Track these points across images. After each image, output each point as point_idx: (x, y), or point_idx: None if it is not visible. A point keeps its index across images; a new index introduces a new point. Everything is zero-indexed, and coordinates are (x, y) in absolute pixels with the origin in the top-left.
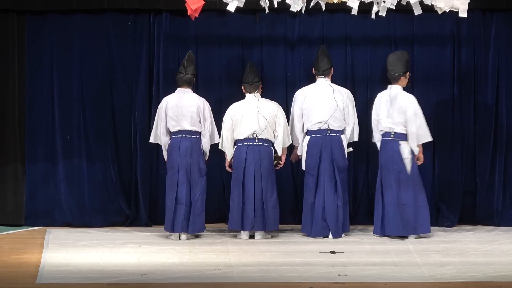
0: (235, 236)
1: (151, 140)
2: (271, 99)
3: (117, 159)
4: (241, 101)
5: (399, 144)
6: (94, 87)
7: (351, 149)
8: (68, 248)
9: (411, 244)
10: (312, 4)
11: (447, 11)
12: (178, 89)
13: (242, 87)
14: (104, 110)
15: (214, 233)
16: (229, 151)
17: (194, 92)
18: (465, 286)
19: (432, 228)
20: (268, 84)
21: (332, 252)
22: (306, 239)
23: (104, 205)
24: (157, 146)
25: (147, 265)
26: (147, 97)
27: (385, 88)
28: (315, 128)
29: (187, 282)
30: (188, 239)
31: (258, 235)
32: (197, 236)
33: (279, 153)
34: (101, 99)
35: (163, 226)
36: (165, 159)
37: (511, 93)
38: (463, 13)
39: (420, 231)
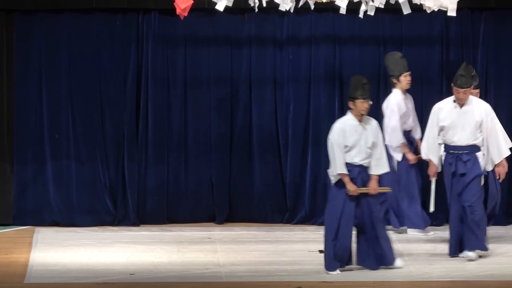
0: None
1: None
2: (259, 100)
3: (105, 159)
4: None
5: None
6: (83, 87)
7: None
8: (56, 248)
9: (400, 243)
10: (300, 3)
11: (435, 10)
12: None
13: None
14: (92, 110)
15: (203, 232)
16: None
17: (181, 92)
18: (453, 285)
19: None
20: (257, 84)
21: (321, 251)
22: (294, 238)
23: (92, 204)
24: (146, 146)
25: (135, 265)
26: (135, 97)
27: (374, 88)
28: None
29: (176, 282)
30: None
31: None
32: None
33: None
34: (90, 98)
35: (151, 225)
36: None
37: (499, 92)
38: (451, 12)
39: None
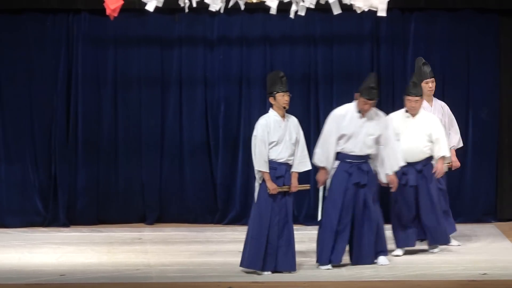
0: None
1: None
2: (190, 100)
3: (35, 160)
4: None
5: None
6: (13, 87)
7: None
8: None
9: None
10: (231, 3)
11: (366, 10)
12: None
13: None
14: (22, 110)
15: (133, 233)
16: None
17: (111, 93)
18: (383, 285)
19: None
20: (187, 85)
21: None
22: (225, 238)
23: (22, 205)
24: (76, 146)
25: (66, 265)
26: (66, 98)
27: (305, 88)
28: None
29: (106, 282)
30: None
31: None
32: None
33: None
34: (20, 99)
35: (82, 226)
36: None
37: None
38: (382, 12)
39: None
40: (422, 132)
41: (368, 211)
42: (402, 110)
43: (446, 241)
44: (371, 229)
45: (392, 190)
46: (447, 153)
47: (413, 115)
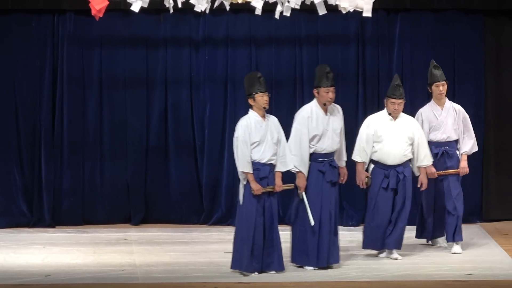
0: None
1: None
2: (175, 101)
3: (20, 161)
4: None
5: None
6: None
7: None
8: None
9: None
10: (216, 4)
11: (351, 11)
12: None
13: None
14: (7, 111)
15: (119, 234)
16: None
17: (97, 94)
18: (369, 286)
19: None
20: (173, 85)
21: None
22: (210, 239)
23: (7, 206)
24: (61, 147)
25: (51, 266)
26: (51, 99)
27: (291, 88)
28: None
29: (92, 283)
30: None
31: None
32: None
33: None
34: (5, 100)
35: (67, 227)
36: None
37: (415, 91)
38: (367, 13)
39: None
40: (404, 135)
41: (337, 210)
42: (382, 113)
43: (398, 247)
44: (337, 228)
45: (343, 182)
46: (429, 162)
47: (395, 118)
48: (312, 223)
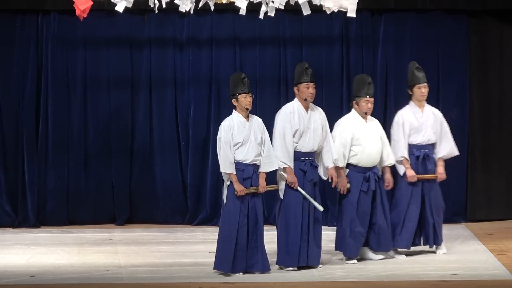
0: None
1: None
2: (160, 101)
3: (4, 161)
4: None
5: None
6: None
7: None
8: None
9: None
10: (200, 4)
11: (335, 11)
12: None
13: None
14: None
15: (104, 234)
16: None
17: (81, 94)
18: (354, 286)
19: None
20: (157, 86)
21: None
22: (195, 239)
23: None
24: (46, 148)
25: (36, 266)
26: (35, 99)
27: (275, 89)
28: None
29: (76, 283)
30: None
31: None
32: None
33: None
34: None
35: (52, 227)
36: None
37: (399, 92)
38: (351, 13)
39: None
40: (377, 135)
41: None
42: (352, 115)
43: (388, 249)
44: (321, 228)
45: (333, 185)
46: (393, 161)
47: (366, 118)
48: (321, 209)
